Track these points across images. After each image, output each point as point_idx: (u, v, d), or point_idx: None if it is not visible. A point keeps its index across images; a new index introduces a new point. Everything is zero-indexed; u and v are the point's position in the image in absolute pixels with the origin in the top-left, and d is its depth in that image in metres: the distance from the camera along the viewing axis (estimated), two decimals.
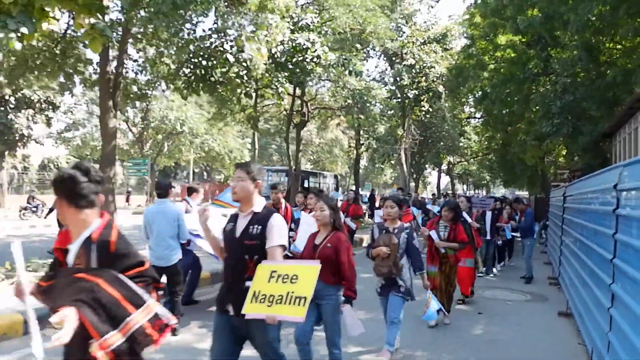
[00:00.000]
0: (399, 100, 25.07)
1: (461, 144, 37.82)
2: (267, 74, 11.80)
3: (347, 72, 12.34)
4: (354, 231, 11.27)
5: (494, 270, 10.77)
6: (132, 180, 47.34)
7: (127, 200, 38.79)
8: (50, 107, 27.27)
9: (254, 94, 12.56)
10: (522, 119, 22.36)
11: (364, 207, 12.49)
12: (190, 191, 7.04)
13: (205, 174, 57.73)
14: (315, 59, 12.08)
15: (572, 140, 16.61)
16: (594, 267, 5.02)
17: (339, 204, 11.75)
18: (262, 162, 43.10)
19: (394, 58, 25.25)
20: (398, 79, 25.24)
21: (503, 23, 18.55)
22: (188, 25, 11.14)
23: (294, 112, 16.06)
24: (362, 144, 23.87)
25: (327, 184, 23.05)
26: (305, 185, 19.75)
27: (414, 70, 24.60)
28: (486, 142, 36.07)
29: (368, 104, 16.01)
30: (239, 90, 11.71)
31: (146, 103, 32.85)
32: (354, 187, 57.80)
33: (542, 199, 28.20)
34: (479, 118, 33.48)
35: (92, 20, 6.86)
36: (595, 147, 16.45)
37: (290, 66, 12.25)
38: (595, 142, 16.15)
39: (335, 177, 25.65)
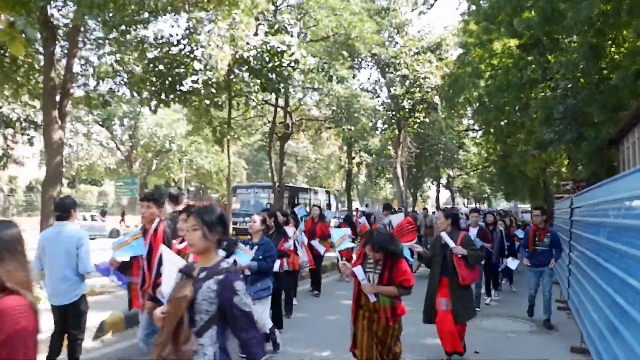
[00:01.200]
0: (393, 111, 24.06)
1: (460, 157, 36.83)
2: (237, 80, 10.78)
3: (328, 78, 11.24)
4: (322, 256, 9.50)
5: (492, 295, 9.52)
6: (124, 200, 46.27)
7: (122, 219, 37.42)
8: (32, 125, 26.25)
9: (226, 104, 11.49)
10: (522, 129, 21.31)
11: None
12: (170, 199, 6.02)
13: (201, 192, 56.69)
14: (292, 64, 11.04)
15: (576, 148, 15.51)
16: (618, 297, 3.85)
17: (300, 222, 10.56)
18: (256, 179, 42.04)
19: (386, 69, 24.34)
20: (391, 89, 24.30)
21: (498, 27, 17.64)
22: (154, 29, 10.11)
23: (277, 124, 14.99)
24: (354, 157, 22.76)
25: (319, 200, 21.90)
26: (295, 202, 18.61)
27: (407, 81, 23.67)
28: (485, 155, 35.11)
29: (356, 114, 14.91)
30: (206, 101, 10.65)
31: (135, 121, 32.10)
32: (358, 205, 56.54)
33: (546, 212, 27.03)
34: (477, 130, 32.49)
35: (12, 18, 5.83)
36: (601, 155, 15.32)
37: (266, 72, 11.21)
38: (600, 150, 15.03)
39: (328, 192, 24.53)
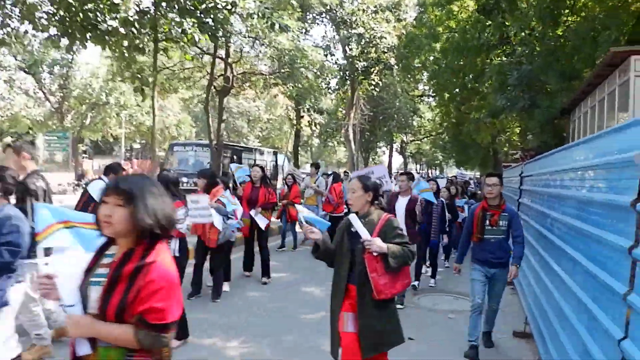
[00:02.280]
0: (347, 71, 23.05)
1: (414, 123, 36.44)
2: (165, 20, 9.47)
3: (270, 26, 10.06)
4: (265, 232, 7.46)
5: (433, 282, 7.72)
6: (58, 157, 43.48)
7: None
8: None
9: (151, 49, 10.13)
10: (476, 95, 20.87)
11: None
12: (108, 171, 5.63)
13: (147, 151, 54.23)
14: (229, 6, 9.79)
15: (529, 116, 15.13)
16: (580, 291, 3.15)
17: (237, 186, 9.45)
18: (205, 138, 40.35)
19: (342, 26, 23.12)
20: (347, 48, 23.21)
21: None
22: None
23: (216, 77, 13.70)
24: (303, 116, 21.73)
25: (265, 161, 20.83)
26: (238, 163, 17.51)
27: (363, 40, 22.60)
28: (439, 121, 34.90)
29: (302, 69, 13.76)
30: (125, 43, 9.29)
31: (66, 69, 29.53)
32: (311, 166, 55.77)
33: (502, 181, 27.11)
34: (432, 96, 32.04)
35: None
36: (552, 125, 15.01)
37: (200, 14, 9.91)
38: (553, 119, 14.71)
39: (275, 153, 23.47)
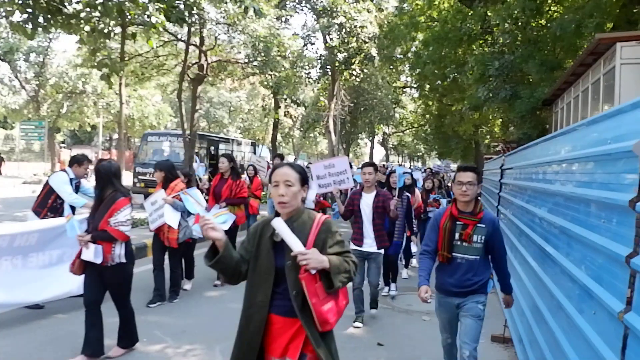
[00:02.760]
0: (328, 62, 22.61)
1: (396, 115, 36.22)
2: (132, 4, 8.91)
3: (243, 10, 9.57)
4: (234, 230, 6.70)
5: (391, 288, 6.72)
6: (35, 146, 42.33)
7: None
8: None
9: (118, 34, 9.58)
10: (457, 87, 20.62)
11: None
12: (73, 162, 5.49)
13: (127, 140, 53.14)
14: None
15: (510, 107, 14.90)
16: (567, 303, 2.82)
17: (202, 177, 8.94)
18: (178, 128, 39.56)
19: (322, 15, 22.62)
20: (327, 37, 22.74)
21: None
22: None
23: (190, 65, 13.13)
24: (280, 107, 21.23)
25: (243, 152, 20.31)
26: (214, 153, 16.99)
27: (344, 30, 22.15)
28: (422, 113, 34.75)
29: (278, 57, 13.21)
30: (86, 27, 8.73)
31: (42, 57, 28.62)
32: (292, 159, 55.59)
33: (480, 177, 26.98)
34: (414, 87, 31.78)
35: None
36: (534, 116, 14.79)
37: None
38: (534, 110, 14.48)
39: (254, 144, 22.95)
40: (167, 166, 5.50)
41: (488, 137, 24.72)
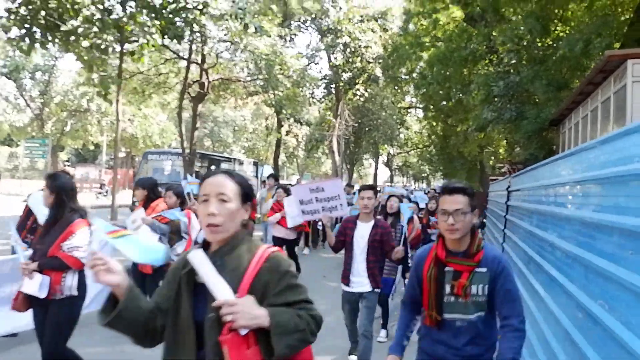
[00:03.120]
0: (332, 81, 22.56)
1: (400, 135, 36.06)
2: (133, 21, 8.79)
3: (243, 27, 9.43)
4: None
5: (381, 334, 5.53)
6: (39, 164, 42.34)
7: None
8: None
9: (116, 50, 9.44)
10: (462, 107, 20.44)
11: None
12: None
13: (131, 159, 53.20)
14: (199, 6, 9.16)
15: (515, 128, 14.65)
16: (581, 339, 2.49)
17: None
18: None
19: (327, 34, 22.65)
20: (331, 57, 22.74)
21: None
22: None
23: (191, 83, 13.00)
24: (282, 125, 21.10)
25: (245, 172, 20.10)
26: None
27: (348, 49, 22.16)
28: (427, 134, 34.61)
29: (280, 75, 13.04)
30: (85, 43, 8.60)
31: (48, 75, 28.78)
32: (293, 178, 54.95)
33: (481, 194, 26.64)
34: (420, 108, 31.68)
35: None
36: (541, 136, 14.53)
37: (167, 14, 9.26)
38: (541, 131, 14.23)
39: (256, 163, 22.74)
40: (149, 184, 5.11)
41: (493, 158, 24.43)
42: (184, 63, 14.64)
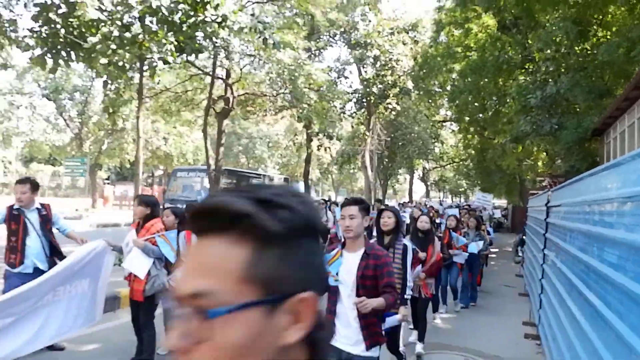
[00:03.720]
0: (361, 95, 22.19)
1: (436, 149, 35.24)
2: (150, 37, 8.67)
3: (262, 41, 9.19)
4: None
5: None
6: (80, 182, 43.51)
7: None
8: None
9: (136, 66, 9.35)
10: (499, 119, 19.64)
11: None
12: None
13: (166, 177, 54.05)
14: (218, 19, 8.98)
15: (555, 140, 13.84)
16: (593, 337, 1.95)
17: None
18: (225, 165, 39.77)
19: (357, 48, 22.34)
20: (361, 70, 22.38)
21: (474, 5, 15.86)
22: None
23: (216, 99, 12.86)
24: (312, 140, 20.79)
25: None
26: None
27: (378, 63, 21.76)
28: (462, 147, 33.70)
29: (307, 89, 12.71)
30: (102, 60, 8.52)
31: (86, 95, 29.60)
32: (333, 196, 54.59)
33: (521, 209, 25.52)
34: (454, 121, 30.91)
35: None
36: (582, 147, 13.66)
37: (186, 28, 9.12)
38: (582, 141, 13.37)
39: (286, 179, 22.48)
40: (151, 201, 4.79)
41: (532, 171, 23.39)
42: (209, 79, 14.61)
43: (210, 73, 12.51)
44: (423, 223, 6.01)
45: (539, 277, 6.53)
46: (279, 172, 42.25)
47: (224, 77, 12.85)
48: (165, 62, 8.53)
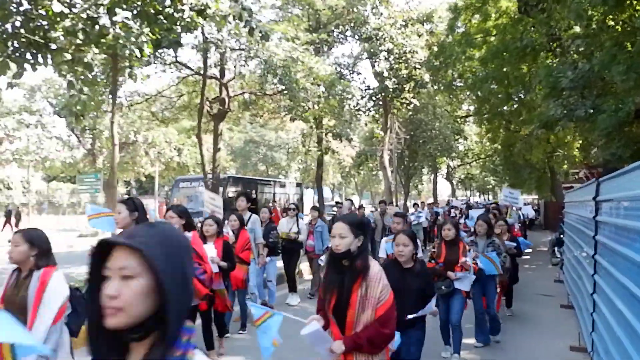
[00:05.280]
0: (374, 91, 20.91)
1: (459, 145, 33.70)
2: (115, 28, 7.67)
3: (248, 31, 8.08)
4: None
5: None
6: (100, 198, 43.31)
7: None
8: None
9: (103, 63, 8.35)
10: (524, 108, 18.14)
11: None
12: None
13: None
14: (197, 7, 7.93)
15: (591, 125, 12.35)
16: None
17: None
18: (245, 174, 38.93)
19: (368, 42, 21.08)
20: (374, 64, 21.07)
21: None
22: None
23: (210, 100, 11.80)
24: (321, 140, 19.55)
25: (287, 195, 18.74)
26: (253, 196, 15.49)
27: (392, 56, 20.45)
28: (487, 142, 32.14)
29: (309, 84, 11.39)
30: (66, 56, 7.55)
31: (95, 111, 29.07)
32: (357, 200, 53.95)
33: (554, 204, 23.78)
34: (474, 115, 29.34)
35: None
36: (623, 133, 12.12)
37: (164, 20, 8.09)
38: (623, 125, 11.82)
39: (299, 185, 21.32)
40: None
41: (565, 162, 21.68)
42: (208, 81, 13.58)
43: (201, 73, 11.47)
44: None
45: (590, 292, 5.18)
46: (296, 179, 41.21)
47: (218, 77, 11.78)
48: (142, 53, 7.48)
